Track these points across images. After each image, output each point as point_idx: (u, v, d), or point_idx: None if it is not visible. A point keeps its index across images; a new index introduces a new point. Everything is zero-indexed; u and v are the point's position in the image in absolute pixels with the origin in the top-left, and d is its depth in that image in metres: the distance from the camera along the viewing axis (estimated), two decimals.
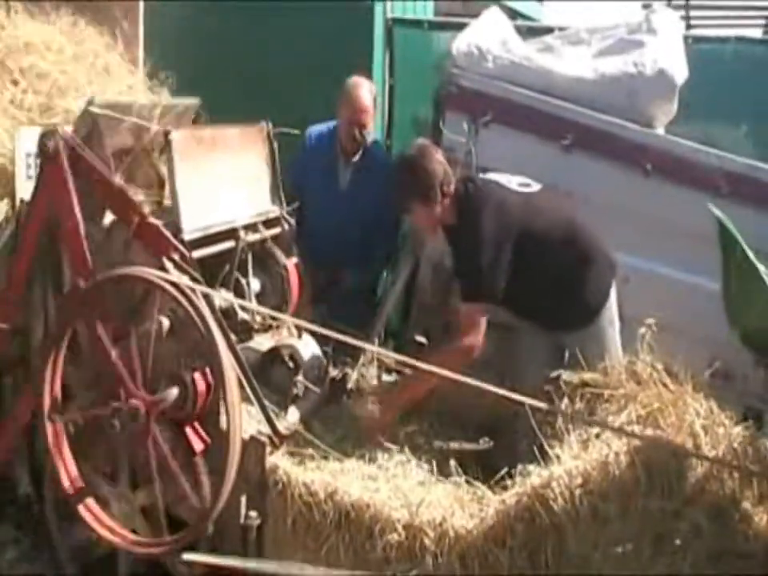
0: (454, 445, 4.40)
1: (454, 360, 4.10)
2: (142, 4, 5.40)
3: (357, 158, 5.24)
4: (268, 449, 3.87)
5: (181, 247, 3.93)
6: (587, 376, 4.11)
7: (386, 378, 4.53)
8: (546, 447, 3.82)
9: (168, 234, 3.93)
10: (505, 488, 3.80)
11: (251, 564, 3.76)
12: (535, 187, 4.45)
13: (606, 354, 4.26)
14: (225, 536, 3.86)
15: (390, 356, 4.40)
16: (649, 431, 3.78)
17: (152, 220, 3.94)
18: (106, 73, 5.04)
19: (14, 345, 4.22)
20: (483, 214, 4.27)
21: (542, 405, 3.82)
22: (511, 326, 4.59)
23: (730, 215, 3.78)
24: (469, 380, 3.83)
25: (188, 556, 3.76)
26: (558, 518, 3.59)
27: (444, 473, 4.01)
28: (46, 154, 3.94)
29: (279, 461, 3.88)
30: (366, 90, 5.16)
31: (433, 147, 4.48)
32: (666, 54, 4.98)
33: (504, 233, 4.25)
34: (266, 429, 3.95)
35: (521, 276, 4.24)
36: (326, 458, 3.97)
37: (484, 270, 4.21)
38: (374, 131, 5.43)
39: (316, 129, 5.35)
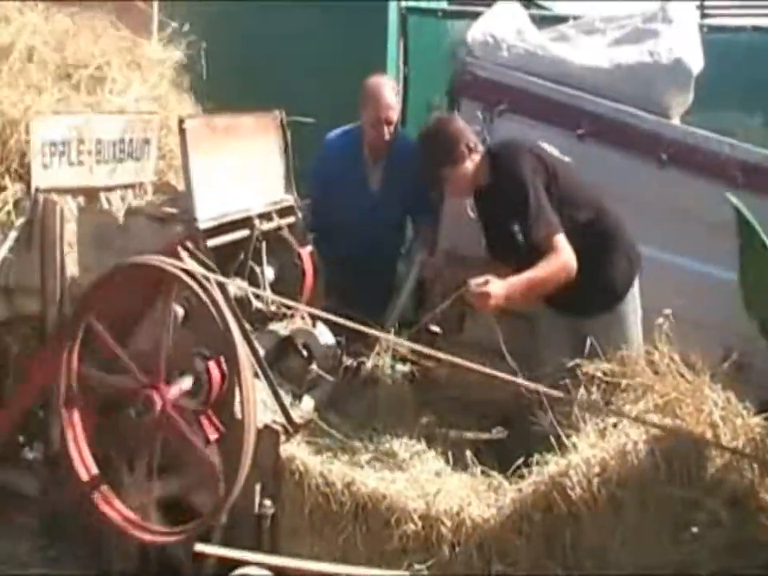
0: (469, 435, 4.40)
1: (557, 275, 4.17)
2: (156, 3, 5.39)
3: (385, 156, 5.20)
4: (282, 438, 3.87)
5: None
6: (605, 366, 4.11)
7: (400, 367, 4.53)
8: (563, 436, 3.81)
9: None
10: (521, 477, 3.80)
11: (262, 558, 3.75)
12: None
13: (628, 342, 4.26)
14: (239, 525, 3.86)
15: (405, 345, 4.40)
16: (667, 420, 3.77)
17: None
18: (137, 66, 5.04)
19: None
20: (522, 156, 4.32)
21: (558, 394, 3.82)
22: (530, 315, 4.59)
23: (746, 205, 3.77)
24: (484, 369, 3.84)
25: (200, 546, 3.76)
26: (575, 507, 3.60)
27: (460, 463, 4.01)
28: None
29: (296, 450, 3.88)
30: (389, 88, 5.14)
31: (449, 114, 4.56)
32: (682, 43, 4.95)
33: (542, 176, 4.29)
34: (280, 418, 3.94)
35: None
36: (342, 448, 3.98)
37: (541, 200, 4.24)
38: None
39: (337, 136, 5.31)
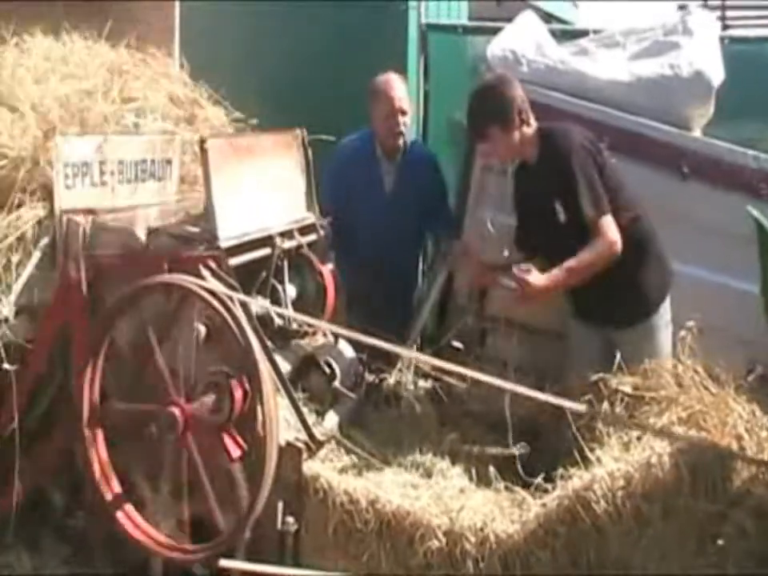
0: (492, 451, 4.38)
1: (602, 258, 4.18)
2: (177, 6, 5.43)
3: (398, 158, 5.23)
4: (305, 455, 3.87)
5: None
6: (629, 379, 4.09)
7: (422, 383, 4.52)
8: (587, 450, 3.80)
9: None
10: (545, 491, 3.79)
11: (287, 571, 3.75)
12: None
13: (659, 356, 4.26)
14: (262, 542, 3.86)
15: (427, 361, 4.39)
16: (692, 433, 3.75)
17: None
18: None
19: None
20: (575, 137, 4.32)
21: (580, 408, 3.81)
22: (560, 331, 4.58)
23: None
24: (507, 384, 3.83)
25: (225, 562, 3.77)
26: (599, 520, 3.58)
27: (484, 479, 4.00)
28: None
29: (321, 469, 3.88)
30: (399, 81, 5.20)
31: (512, 77, 4.53)
32: (702, 55, 4.94)
33: (593, 161, 4.29)
34: (303, 435, 3.95)
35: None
36: (367, 465, 3.98)
37: (593, 180, 4.24)
38: (411, 132, 5.42)
39: (349, 140, 5.35)
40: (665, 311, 4.49)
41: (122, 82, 4.82)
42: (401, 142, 5.21)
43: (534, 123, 4.43)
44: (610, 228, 4.23)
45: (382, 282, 4.92)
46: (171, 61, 5.27)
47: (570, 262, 4.21)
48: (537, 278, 4.19)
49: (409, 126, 5.25)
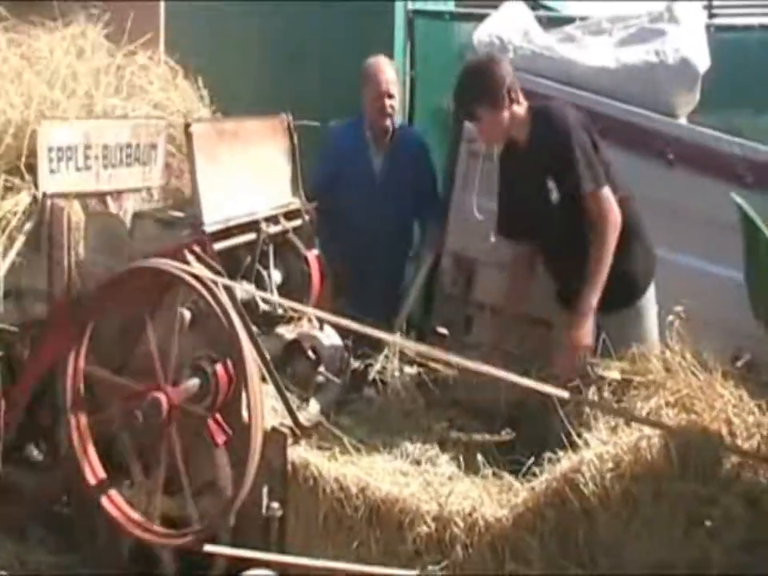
0: (478, 437, 4.39)
1: (612, 238, 4.17)
2: (162, 5, 5.40)
3: (387, 143, 5.25)
4: (290, 440, 3.87)
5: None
6: (616, 364, 4.10)
7: (408, 369, 4.53)
8: (574, 435, 3.81)
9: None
10: (533, 476, 3.79)
11: (271, 557, 3.75)
12: None
13: (646, 340, 4.26)
14: (247, 528, 3.86)
15: (412, 347, 4.39)
16: (682, 417, 3.76)
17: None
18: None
19: None
20: (569, 114, 4.31)
21: (565, 394, 3.82)
22: (546, 319, 4.58)
23: (754, 204, 3.75)
24: (493, 370, 3.83)
25: (209, 548, 3.77)
26: (588, 503, 3.58)
27: (471, 466, 4.01)
28: None
29: (310, 456, 3.87)
30: (387, 64, 5.23)
31: (501, 56, 4.53)
32: (689, 42, 4.94)
33: (588, 137, 4.28)
34: (288, 420, 3.95)
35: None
36: (356, 452, 3.97)
37: (589, 154, 4.23)
38: (399, 117, 5.43)
39: (339, 126, 5.35)
40: (651, 295, 4.49)
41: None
42: (388, 123, 5.22)
43: (524, 102, 4.40)
44: (609, 200, 4.23)
45: (373, 266, 4.92)
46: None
47: (591, 266, 4.20)
48: (577, 335, 4.19)
49: (396, 109, 5.26)
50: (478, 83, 4.34)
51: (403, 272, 5.43)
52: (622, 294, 4.36)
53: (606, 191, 4.24)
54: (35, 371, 4.18)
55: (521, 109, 4.39)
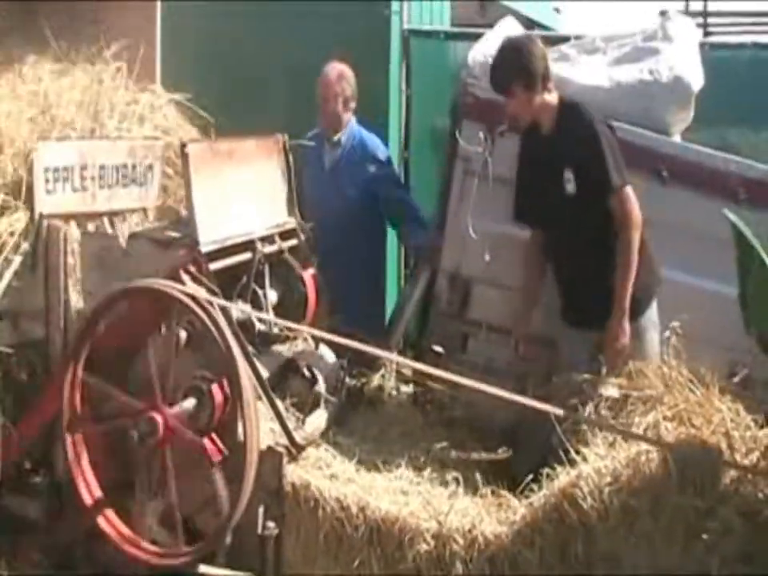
0: (475, 456, 4.40)
1: (636, 236, 4.28)
2: (159, 5, 5.41)
3: (338, 138, 5.46)
4: (285, 459, 3.87)
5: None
6: (615, 381, 4.11)
7: (404, 388, 4.53)
8: (572, 451, 3.82)
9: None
10: (531, 492, 3.81)
11: None
12: None
13: (645, 358, 4.28)
14: (243, 547, 3.86)
15: (409, 365, 4.40)
16: (681, 431, 3.78)
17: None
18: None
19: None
20: (597, 115, 4.40)
21: (560, 412, 3.83)
22: (548, 337, 4.59)
23: (747, 221, 3.77)
24: (494, 390, 3.84)
25: (204, 568, 3.76)
26: (587, 517, 3.60)
27: (470, 484, 4.02)
28: None
29: (311, 477, 3.87)
30: (332, 69, 5.49)
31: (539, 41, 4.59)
32: (682, 61, 4.96)
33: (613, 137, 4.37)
34: (284, 440, 3.95)
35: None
36: (356, 472, 3.99)
37: (616, 153, 4.32)
38: (351, 117, 5.58)
39: (310, 133, 5.54)
40: (651, 313, 4.50)
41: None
42: (329, 124, 5.48)
43: (555, 92, 4.45)
44: (632, 198, 4.33)
45: (334, 260, 4.93)
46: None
47: (620, 271, 4.31)
48: (617, 332, 4.32)
49: (341, 110, 5.47)
50: (518, 60, 4.40)
51: (374, 271, 5.57)
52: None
53: (630, 190, 4.32)
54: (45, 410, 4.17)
55: (551, 97, 4.45)
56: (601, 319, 4.35)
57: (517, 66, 4.39)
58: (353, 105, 5.55)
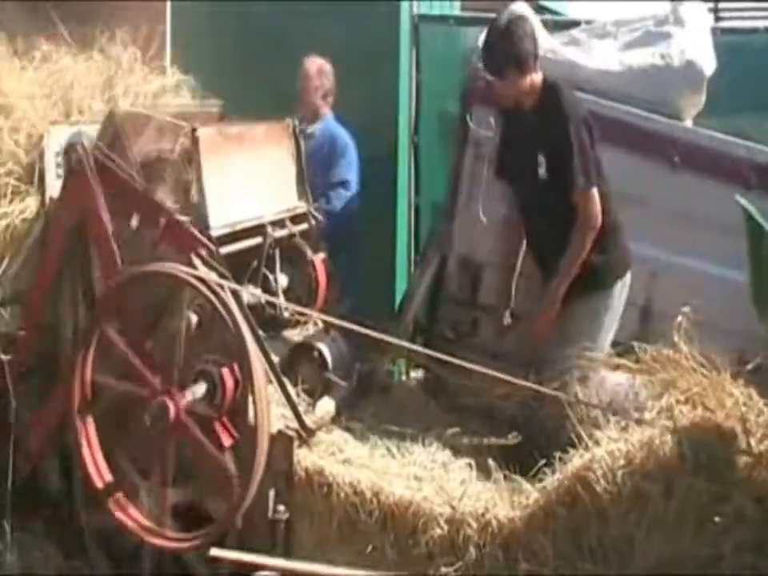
0: (485, 441, 4.40)
1: (588, 240, 4.27)
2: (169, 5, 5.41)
3: (312, 131, 5.50)
4: (296, 443, 3.88)
5: (208, 243, 3.95)
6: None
7: (413, 373, 4.53)
8: (584, 435, 3.82)
9: (195, 230, 3.96)
10: (544, 477, 3.81)
11: (278, 562, 3.75)
12: None
13: (587, 339, 4.26)
14: (253, 531, 3.87)
15: (418, 351, 4.40)
16: (696, 414, 3.77)
17: (179, 217, 3.97)
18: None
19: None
20: (577, 105, 4.38)
21: (570, 398, 3.83)
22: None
23: (759, 207, 3.75)
24: (498, 374, 3.84)
25: (215, 551, 3.77)
26: (600, 500, 3.61)
27: (482, 469, 4.02)
28: (70, 167, 4.00)
29: (325, 462, 3.88)
30: (309, 61, 5.58)
31: (530, 20, 4.56)
32: (694, 45, 4.94)
33: (588, 133, 4.32)
34: (294, 424, 3.95)
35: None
36: (370, 457, 4.00)
37: (587, 152, 4.28)
38: (328, 111, 5.65)
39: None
40: (608, 297, 4.43)
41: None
42: (307, 110, 5.55)
43: (540, 71, 4.44)
44: (594, 202, 4.28)
45: None
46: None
47: (565, 261, 4.30)
48: (546, 321, 4.36)
49: (320, 103, 5.59)
50: (512, 44, 4.36)
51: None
52: (579, 286, 4.35)
53: (594, 192, 4.28)
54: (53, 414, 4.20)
55: (537, 77, 4.42)
56: (584, 288, 4.35)
57: (510, 50, 4.36)
58: (330, 99, 5.63)
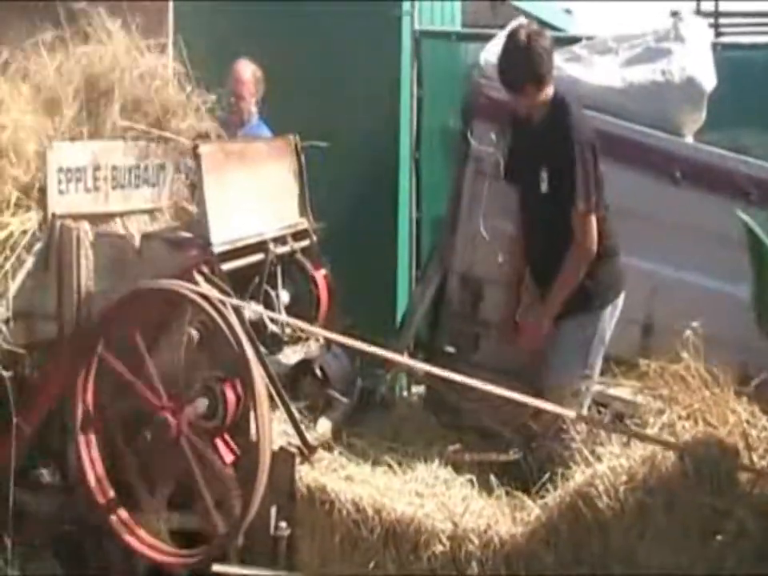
0: (486, 458, 4.39)
1: (583, 264, 4.32)
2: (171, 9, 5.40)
3: (242, 133, 5.54)
4: (298, 460, 3.87)
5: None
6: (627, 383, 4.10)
7: (414, 389, 4.53)
8: (585, 451, 3.83)
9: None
10: (546, 493, 3.82)
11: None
12: None
13: (574, 358, 4.33)
14: (255, 547, 3.86)
15: (420, 367, 4.40)
16: (698, 430, 3.78)
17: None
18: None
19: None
20: (585, 123, 4.42)
21: (572, 414, 3.83)
22: None
23: (760, 222, 3.76)
24: (500, 390, 3.84)
25: (218, 567, 3.77)
26: (602, 515, 3.61)
27: (484, 486, 4.02)
28: None
29: (327, 479, 3.88)
30: (243, 65, 5.64)
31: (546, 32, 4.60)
32: (694, 61, 4.95)
33: (593, 154, 4.35)
34: (296, 440, 3.95)
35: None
36: (372, 473, 3.99)
37: (590, 174, 4.30)
38: (255, 114, 5.68)
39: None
40: (597, 319, 4.45)
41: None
42: (242, 119, 5.61)
43: (552, 85, 4.45)
44: (592, 227, 4.31)
45: None
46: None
47: (558, 282, 4.35)
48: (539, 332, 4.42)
49: (252, 107, 5.64)
50: (532, 61, 4.38)
51: None
52: (571, 303, 4.39)
53: (592, 218, 4.31)
54: (46, 397, 4.19)
55: (550, 90, 4.44)
56: (574, 308, 4.38)
57: (529, 65, 4.38)
58: (259, 101, 5.69)
